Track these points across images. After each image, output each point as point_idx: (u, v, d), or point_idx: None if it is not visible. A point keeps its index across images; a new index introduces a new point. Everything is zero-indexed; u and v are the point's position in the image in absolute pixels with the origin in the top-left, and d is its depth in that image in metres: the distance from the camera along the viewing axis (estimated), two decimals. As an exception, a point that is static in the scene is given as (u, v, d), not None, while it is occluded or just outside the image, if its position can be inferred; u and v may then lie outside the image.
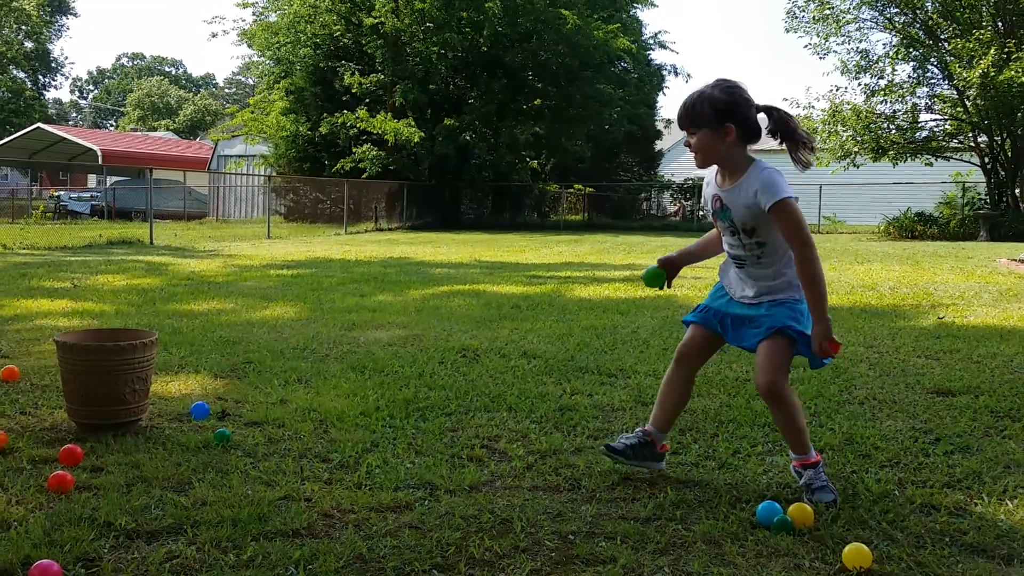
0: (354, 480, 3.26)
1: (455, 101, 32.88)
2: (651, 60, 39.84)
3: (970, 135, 26.87)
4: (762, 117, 3.11)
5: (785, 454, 3.63)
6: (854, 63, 27.50)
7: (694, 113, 3.08)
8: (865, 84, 27.58)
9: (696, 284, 10.21)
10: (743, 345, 3.21)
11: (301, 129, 32.18)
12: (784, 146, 3.14)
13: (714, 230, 3.40)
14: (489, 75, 32.64)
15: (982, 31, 24.29)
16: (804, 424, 3.17)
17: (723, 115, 3.03)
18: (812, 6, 27.19)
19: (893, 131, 26.88)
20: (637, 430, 3.41)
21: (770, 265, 3.15)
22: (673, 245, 20.84)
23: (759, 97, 3.07)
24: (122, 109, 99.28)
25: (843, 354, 5.81)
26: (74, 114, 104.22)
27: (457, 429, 3.99)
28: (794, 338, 3.09)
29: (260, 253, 16.41)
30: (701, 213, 38.51)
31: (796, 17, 27.73)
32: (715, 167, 3.22)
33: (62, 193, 41.88)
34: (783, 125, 3.10)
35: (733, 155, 3.10)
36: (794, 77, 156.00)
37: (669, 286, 3.44)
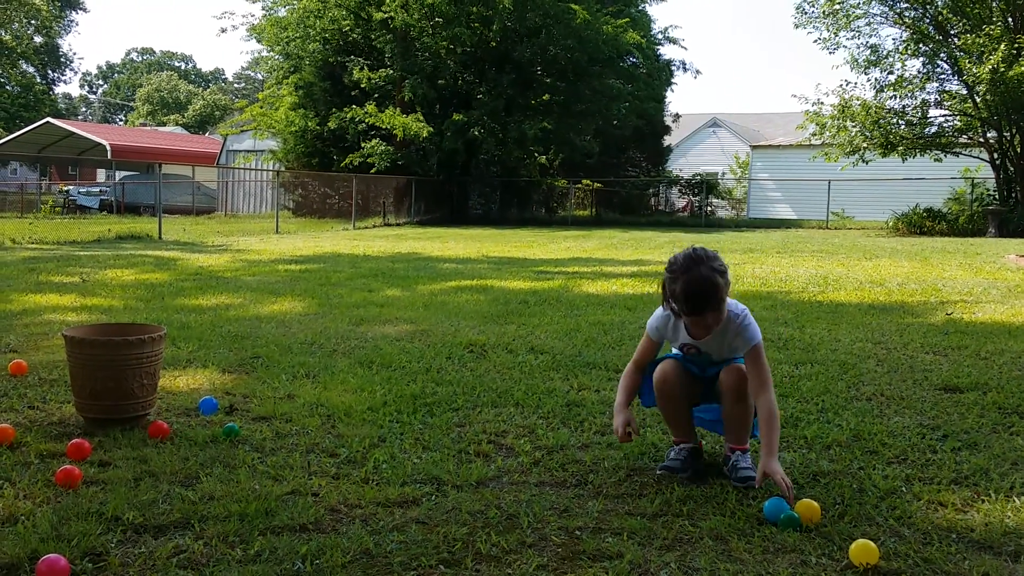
0: (361, 475, 3.27)
1: (464, 96, 32.84)
2: (660, 55, 39.67)
3: (979, 131, 26.75)
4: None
5: (792, 451, 3.63)
6: (864, 58, 27.39)
7: (718, 294, 3.18)
8: (875, 79, 27.48)
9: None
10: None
11: (310, 124, 32.18)
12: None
13: (631, 376, 3.51)
14: (498, 70, 32.58)
15: (992, 27, 24.17)
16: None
17: (727, 280, 3.23)
18: (822, 1, 27.09)
19: (902, 126, 26.78)
20: (679, 444, 3.48)
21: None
22: (682, 240, 20.66)
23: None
24: (131, 104, 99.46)
25: (850, 350, 5.81)
26: (83, 109, 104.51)
27: (464, 424, 3.99)
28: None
29: (268, 248, 16.43)
30: (709, 208, 38.50)
31: (806, 13, 27.62)
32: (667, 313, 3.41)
33: (71, 188, 41.94)
34: None
35: None
36: (803, 72, 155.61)
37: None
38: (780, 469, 3.06)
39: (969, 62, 24.28)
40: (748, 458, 3.31)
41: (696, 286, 3.14)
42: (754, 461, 3.32)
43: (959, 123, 27.01)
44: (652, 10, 51.85)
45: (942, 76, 27.23)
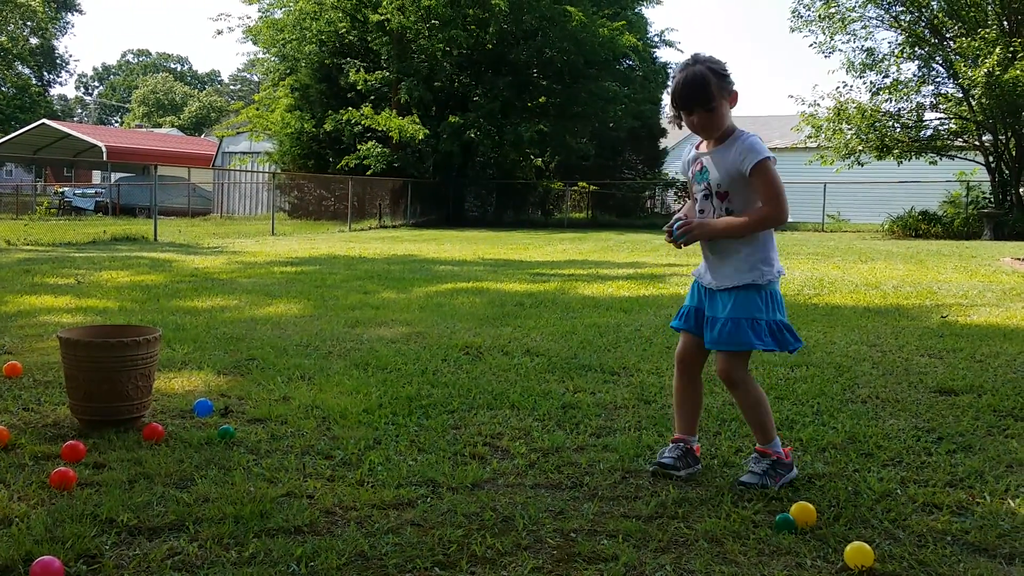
0: (356, 477, 3.27)
1: (460, 98, 32.84)
2: (656, 58, 39.69)
3: (974, 134, 26.81)
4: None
5: (787, 453, 3.63)
6: (859, 61, 27.45)
7: (708, 89, 3.17)
8: (870, 82, 27.53)
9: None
10: (706, 344, 3.36)
11: (306, 126, 32.18)
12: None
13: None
14: (494, 72, 32.60)
15: (987, 30, 24.22)
16: (767, 413, 3.33)
17: (724, 89, 3.20)
18: (818, 4, 27.10)
19: (898, 129, 26.83)
20: (674, 442, 3.44)
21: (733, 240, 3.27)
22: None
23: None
24: (127, 105, 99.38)
25: (846, 353, 5.81)
26: (79, 110, 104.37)
27: (460, 427, 3.99)
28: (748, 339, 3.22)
29: (264, 250, 16.42)
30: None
31: (801, 16, 27.64)
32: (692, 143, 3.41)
33: (66, 189, 41.94)
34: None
35: (726, 122, 3.26)
36: (798, 75, 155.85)
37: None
38: (702, 231, 3.20)
39: (964, 65, 24.32)
40: (763, 463, 3.24)
41: (686, 79, 3.18)
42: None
43: (954, 126, 27.07)
44: (648, 13, 51.82)
45: (937, 79, 27.31)
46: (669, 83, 31.25)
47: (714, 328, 3.27)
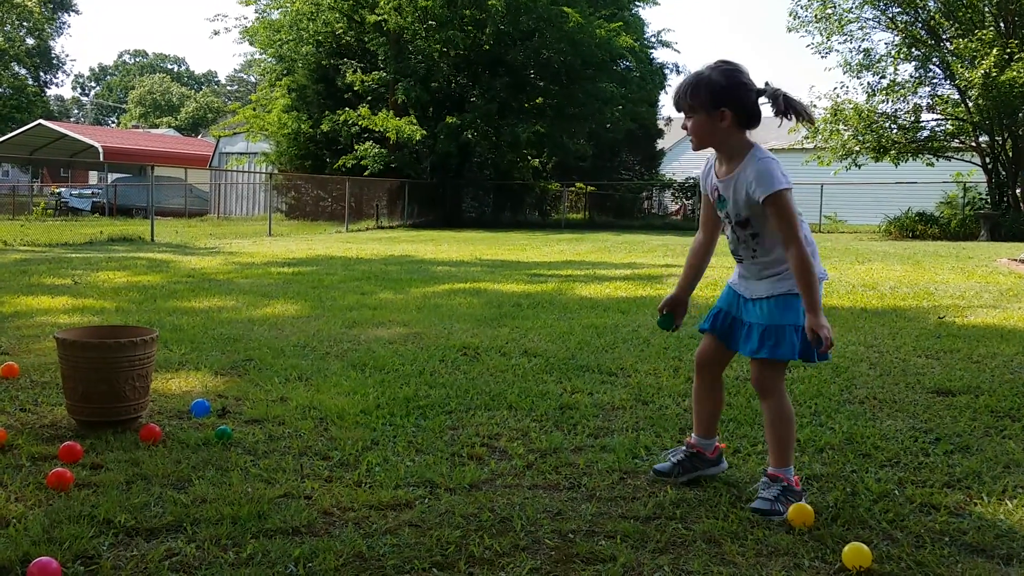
0: (354, 478, 3.26)
1: (457, 99, 32.85)
2: (653, 59, 39.73)
3: (971, 135, 26.84)
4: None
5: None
6: (856, 62, 27.48)
7: (690, 96, 2.97)
8: (867, 83, 27.57)
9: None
10: (743, 352, 3.14)
11: (303, 127, 32.17)
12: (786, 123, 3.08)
13: (695, 241, 3.34)
14: (491, 73, 32.60)
15: (984, 31, 24.25)
16: (791, 433, 3.12)
17: (719, 99, 2.93)
18: (815, 5, 27.13)
19: (895, 131, 26.86)
20: (685, 443, 3.36)
21: (766, 255, 3.07)
22: (674, 244, 20.60)
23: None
24: (124, 106, 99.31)
25: (843, 354, 5.81)
26: (76, 111, 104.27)
27: (457, 427, 3.99)
28: (786, 347, 3.02)
29: (261, 251, 16.40)
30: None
31: (798, 17, 27.67)
32: (713, 153, 3.14)
33: (63, 190, 41.90)
34: (786, 106, 2.97)
35: (730, 140, 3.00)
36: (796, 75, 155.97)
37: (679, 325, 3.34)
38: (826, 323, 2.84)
39: (961, 66, 24.36)
40: (774, 489, 3.00)
41: (685, 78, 2.99)
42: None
43: (951, 127, 27.10)
44: (645, 13, 51.92)
45: (934, 80, 27.34)
46: (666, 85, 30.81)
47: (751, 336, 3.08)
